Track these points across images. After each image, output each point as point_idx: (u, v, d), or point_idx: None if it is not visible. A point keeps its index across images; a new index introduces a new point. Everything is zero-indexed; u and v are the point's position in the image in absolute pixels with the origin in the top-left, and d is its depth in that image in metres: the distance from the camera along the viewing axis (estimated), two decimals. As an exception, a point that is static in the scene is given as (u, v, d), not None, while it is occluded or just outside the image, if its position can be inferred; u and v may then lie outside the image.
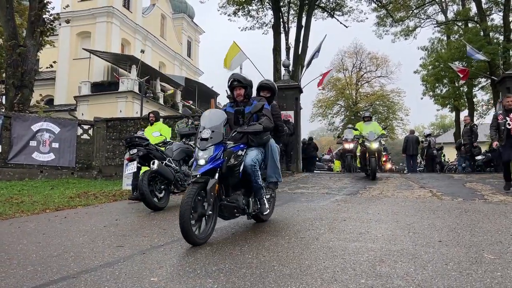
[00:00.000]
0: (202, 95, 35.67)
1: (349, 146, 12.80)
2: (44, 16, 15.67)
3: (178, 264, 3.18)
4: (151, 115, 8.32)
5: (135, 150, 6.41)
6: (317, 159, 20.81)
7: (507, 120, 7.32)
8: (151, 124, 8.21)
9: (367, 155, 9.84)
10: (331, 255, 3.30)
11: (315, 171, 16.97)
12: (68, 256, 3.57)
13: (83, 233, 4.68)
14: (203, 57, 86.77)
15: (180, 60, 40.29)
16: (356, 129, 10.90)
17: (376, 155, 9.78)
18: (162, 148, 6.93)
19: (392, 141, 43.98)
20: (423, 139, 17.73)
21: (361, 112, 36.65)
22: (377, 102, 39.20)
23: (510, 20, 21.59)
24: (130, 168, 6.63)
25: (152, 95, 29.52)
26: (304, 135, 28.34)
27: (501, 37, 22.27)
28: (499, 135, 7.36)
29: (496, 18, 24.53)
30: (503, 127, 7.31)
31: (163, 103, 30.95)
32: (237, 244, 3.78)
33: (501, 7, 22.01)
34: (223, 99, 34.88)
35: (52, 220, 5.79)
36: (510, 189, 7.31)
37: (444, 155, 20.39)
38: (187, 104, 33.67)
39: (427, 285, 2.53)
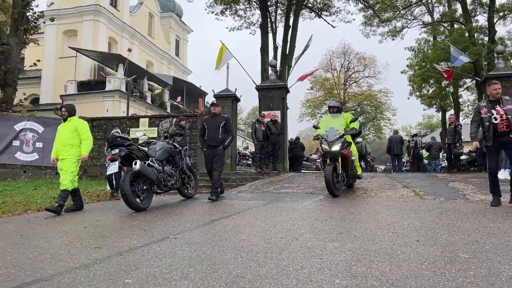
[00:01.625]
0: (190, 94, 35.53)
1: (326, 147, 7.34)
2: (28, 14, 15.46)
3: (155, 265, 3.15)
4: (63, 109, 6.99)
5: (117, 150, 6.34)
6: (305, 158, 20.86)
7: (493, 114, 5.85)
8: (64, 120, 6.94)
9: (327, 161, 7.24)
10: (309, 255, 3.30)
11: (302, 171, 17.01)
12: (44, 258, 3.52)
13: (62, 234, 4.62)
14: (191, 56, 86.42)
15: (168, 59, 40.08)
16: (317, 127, 7.73)
17: (340, 160, 7.14)
18: (145, 148, 6.87)
19: (379, 141, 44.33)
20: (410, 139, 17.90)
21: (326, 102, 34.66)
22: (365, 102, 39.48)
23: (495, 22, 21.92)
24: (112, 168, 6.58)
25: (139, 94, 29.31)
26: (292, 134, 28.45)
27: (486, 38, 22.60)
28: (483, 133, 5.93)
29: (481, 19, 24.89)
30: (487, 123, 5.83)
31: (150, 102, 30.76)
32: (216, 245, 3.76)
33: (486, 8, 22.35)
34: (211, 98, 34.74)
35: (32, 221, 5.71)
36: (498, 203, 5.81)
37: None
38: (175, 103, 33.51)
39: (400, 285, 2.54)
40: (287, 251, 3.46)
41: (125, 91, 26.38)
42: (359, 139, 11.27)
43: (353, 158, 7.46)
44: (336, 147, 7.01)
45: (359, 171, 7.99)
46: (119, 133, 8.09)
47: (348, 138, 7.38)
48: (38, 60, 18.57)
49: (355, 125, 7.48)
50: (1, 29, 16.07)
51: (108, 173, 8.19)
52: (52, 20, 18.74)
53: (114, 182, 8.25)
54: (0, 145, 12.65)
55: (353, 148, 7.63)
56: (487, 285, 2.52)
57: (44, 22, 19.32)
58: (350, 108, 39.20)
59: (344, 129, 7.33)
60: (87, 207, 7.21)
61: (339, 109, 7.89)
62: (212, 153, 7.54)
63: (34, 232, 4.83)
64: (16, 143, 12.85)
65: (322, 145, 7.19)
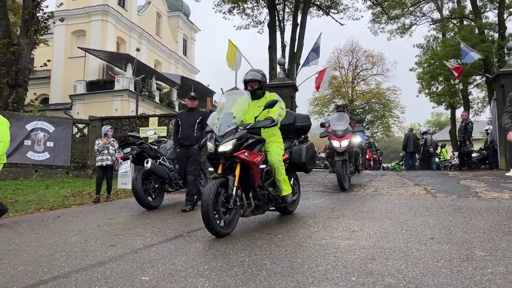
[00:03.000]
0: (198, 93, 35.55)
1: (338, 143, 7.33)
2: (38, 15, 15.57)
3: (170, 263, 3.17)
4: None
5: (128, 149, 6.39)
6: (313, 157, 20.78)
7: None
8: None
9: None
10: (323, 253, 3.30)
11: (311, 169, 16.94)
12: (60, 255, 3.55)
13: (76, 232, 4.67)
14: (199, 55, 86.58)
15: (175, 58, 40.19)
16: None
17: (238, 170, 4.36)
18: (155, 147, 6.91)
19: (388, 139, 44.09)
20: (419, 137, 17.81)
21: (334, 100, 36.27)
22: (373, 100, 39.26)
23: (505, 18, 21.68)
24: (124, 167, 6.63)
25: (147, 93, 29.44)
26: (300, 133, 28.33)
27: (496, 35, 22.36)
28: None
29: (491, 15, 24.63)
30: None
31: (159, 102, 30.88)
32: (230, 243, 3.77)
33: (496, 4, 22.09)
34: (219, 97, 34.78)
35: (46, 220, 5.77)
36: None
37: (441, 153, 20.44)
38: (184, 101, 33.60)
39: (417, 283, 2.53)
40: (301, 249, 3.46)
41: (133, 91, 26.51)
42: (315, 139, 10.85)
43: (264, 166, 4.47)
44: (226, 147, 4.12)
45: (286, 190, 4.63)
46: (110, 130, 8.19)
47: (271, 134, 4.70)
48: (49, 60, 18.69)
49: (274, 112, 4.56)
50: (12, 30, 16.20)
51: (120, 172, 8.25)
52: (62, 20, 18.86)
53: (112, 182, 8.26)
54: (12, 145, 12.74)
55: (274, 149, 4.58)
56: (506, 282, 2.50)
57: (53, 23, 19.48)
58: (358, 106, 39.07)
59: (256, 118, 4.54)
60: (99, 205, 7.27)
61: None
62: (186, 154, 6.50)
63: (48, 231, 4.88)
64: (27, 142, 12.96)
65: (208, 143, 4.38)
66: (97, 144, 8.16)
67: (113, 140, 8.16)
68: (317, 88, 15.82)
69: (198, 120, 6.46)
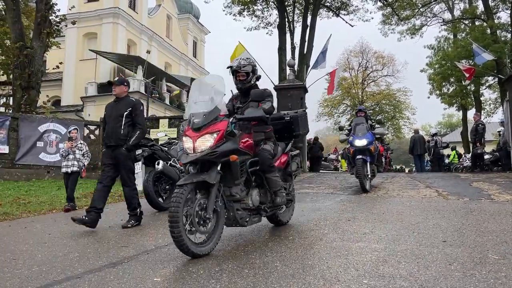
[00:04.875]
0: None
1: (359, 141, 7.65)
2: (50, 18, 15.76)
3: (181, 264, 3.19)
4: None
5: (140, 151, 6.42)
6: (323, 158, 20.76)
7: None
8: None
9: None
10: (334, 255, 3.30)
11: (320, 171, 16.94)
12: (73, 256, 3.60)
13: (88, 233, 4.72)
14: (209, 57, 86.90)
15: (185, 61, 40.36)
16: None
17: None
18: (166, 148, 6.95)
19: (398, 141, 43.76)
20: (430, 138, 17.65)
21: (344, 102, 36.45)
22: (384, 101, 39.00)
23: (518, 18, 21.38)
24: (136, 168, 6.66)
25: (158, 95, 29.62)
26: (310, 134, 28.31)
27: (509, 35, 22.10)
28: None
29: (503, 15, 24.32)
30: None
31: (169, 104, 31.06)
32: (241, 245, 3.78)
33: (509, 4, 21.80)
34: (227, 99, 34.84)
35: (58, 221, 5.83)
36: None
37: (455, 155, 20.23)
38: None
39: (430, 286, 2.52)
40: (312, 251, 3.46)
41: (144, 93, 26.68)
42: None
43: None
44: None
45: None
46: (75, 131, 7.33)
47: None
48: (61, 63, 18.93)
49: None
50: (25, 33, 16.42)
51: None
52: (73, 23, 19.09)
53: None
54: (25, 146, 12.93)
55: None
56: (520, 286, 2.47)
57: (66, 25, 19.71)
58: (369, 108, 38.84)
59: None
60: (110, 206, 7.33)
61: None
62: (112, 157, 5.11)
63: (61, 231, 4.94)
64: (40, 144, 13.11)
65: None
66: (61, 148, 7.19)
67: (81, 143, 7.28)
68: (329, 92, 15.83)
69: (126, 113, 5.06)
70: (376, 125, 8.69)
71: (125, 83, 5.39)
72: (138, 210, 5.18)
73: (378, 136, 8.47)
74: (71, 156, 7.11)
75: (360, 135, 7.54)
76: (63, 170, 7.18)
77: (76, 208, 7.04)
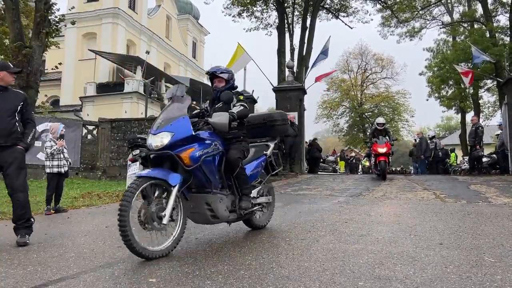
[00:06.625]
0: (207, 96, 35.71)
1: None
2: (49, 18, 15.75)
3: (177, 265, 3.18)
4: None
5: (137, 151, 6.41)
6: (321, 160, 20.75)
7: None
8: None
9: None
10: (330, 257, 3.29)
11: (319, 172, 16.94)
12: (69, 256, 3.58)
13: (85, 233, 4.71)
14: (208, 58, 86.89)
15: (185, 61, 40.38)
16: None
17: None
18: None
19: (398, 143, 43.75)
20: (429, 141, 17.66)
21: (343, 104, 37.48)
22: (382, 104, 39.03)
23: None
24: (133, 169, 6.65)
25: (157, 96, 29.62)
26: (309, 136, 28.31)
27: (507, 38, 22.14)
28: None
29: (502, 19, 24.39)
30: None
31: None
32: (237, 246, 3.78)
33: (507, 8, 21.85)
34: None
35: (55, 221, 5.82)
36: None
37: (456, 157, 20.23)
38: (193, 104, 33.75)
39: (425, 288, 2.51)
40: (308, 253, 3.45)
41: (143, 93, 26.70)
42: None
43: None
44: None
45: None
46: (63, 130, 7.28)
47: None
48: (60, 63, 18.90)
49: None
50: (24, 32, 16.39)
51: (129, 173, 8.29)
52: (73, 23, 19.07)
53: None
54: (23, 146, 12.96)
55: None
56: (515, 289, 2.47)
57: (65, 25, 19.71)
58: (367, 110, 38.87)
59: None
60: (108, 207, 7.32)
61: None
62: (4, 159, 4.18)
63: (57, 231, 4.93)
64: (37, 143, 13.09)
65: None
66: (50, 146, 6.92)
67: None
68: (317, 80, 15.91)
69: (19, 107, 4.30)
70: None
71: (10, 69, 4.33)
72: (32, 220, 4.40)
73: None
74: (61, 156, 6.96)
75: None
76: (55, 170, 6.87)
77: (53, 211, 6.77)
